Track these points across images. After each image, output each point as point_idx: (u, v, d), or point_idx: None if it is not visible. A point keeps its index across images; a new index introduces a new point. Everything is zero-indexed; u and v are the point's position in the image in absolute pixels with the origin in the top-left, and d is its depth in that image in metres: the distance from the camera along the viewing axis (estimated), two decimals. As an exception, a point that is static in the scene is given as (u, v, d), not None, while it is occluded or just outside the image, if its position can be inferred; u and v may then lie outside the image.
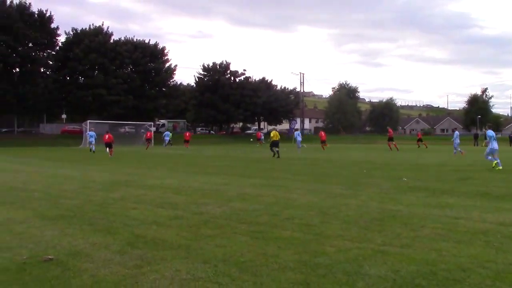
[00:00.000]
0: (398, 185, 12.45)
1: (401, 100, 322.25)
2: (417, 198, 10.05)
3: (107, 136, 32.54)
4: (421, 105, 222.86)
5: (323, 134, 41.20)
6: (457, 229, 6.81)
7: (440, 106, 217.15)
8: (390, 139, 37.59)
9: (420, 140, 45.10)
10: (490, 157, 18.00)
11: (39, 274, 4.80)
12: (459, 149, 28.65)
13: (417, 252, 5.58)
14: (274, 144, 26.44)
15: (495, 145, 17.72)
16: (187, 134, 49.53)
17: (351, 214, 8.03)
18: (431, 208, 8.69)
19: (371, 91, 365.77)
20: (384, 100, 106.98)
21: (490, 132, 18.25)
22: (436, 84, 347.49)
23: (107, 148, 30.99)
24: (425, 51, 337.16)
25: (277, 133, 27.69)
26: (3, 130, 60.94)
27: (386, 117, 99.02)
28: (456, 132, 29.98)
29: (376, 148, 43.34)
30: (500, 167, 17.17)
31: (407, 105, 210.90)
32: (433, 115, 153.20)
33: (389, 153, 31.99)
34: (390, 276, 4.72)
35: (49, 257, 5.32)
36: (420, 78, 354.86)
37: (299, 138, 37.82)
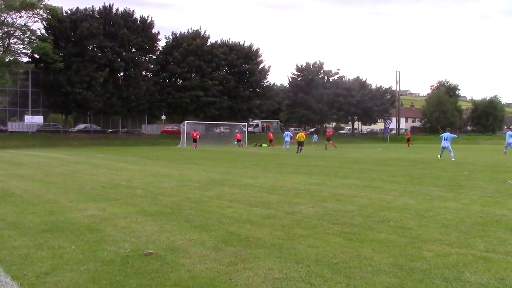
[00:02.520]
0: (503, 188, 11.72)
1: (508, 97, 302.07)
2: (524, 202, 9.40)
3: (195, 133, 44.19)
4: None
5: (329, 132, 48.91)
6: None
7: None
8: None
9: (408, 140, 50.41)
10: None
11: (140, 267, 5.05)
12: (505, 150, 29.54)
13: (524, 261, 5.21)
14: (299, 143, 33.43)
15: (442, 143, 24.02)
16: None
17: (451, 218, 7.67)
18: (541, 213, 8.08)
19: (473, 88, 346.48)
20: (487, 98, 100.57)
21: (444, 134, 24.26)
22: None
23: (195, 143, 42.31)
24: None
25: (302, 134, 34.65)
26: (109, 130, 64.97)
27: (489, 116, 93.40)
28: (509, 133, 29.67)
29: (478, 149, 41.01)
30: (440, 157, 24.37)
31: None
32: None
33: (493, 155, 30.20)
34: (494, 285, 4.46)
35: (150, 251, 5.58)
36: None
37: (287, 138, 40.91)
